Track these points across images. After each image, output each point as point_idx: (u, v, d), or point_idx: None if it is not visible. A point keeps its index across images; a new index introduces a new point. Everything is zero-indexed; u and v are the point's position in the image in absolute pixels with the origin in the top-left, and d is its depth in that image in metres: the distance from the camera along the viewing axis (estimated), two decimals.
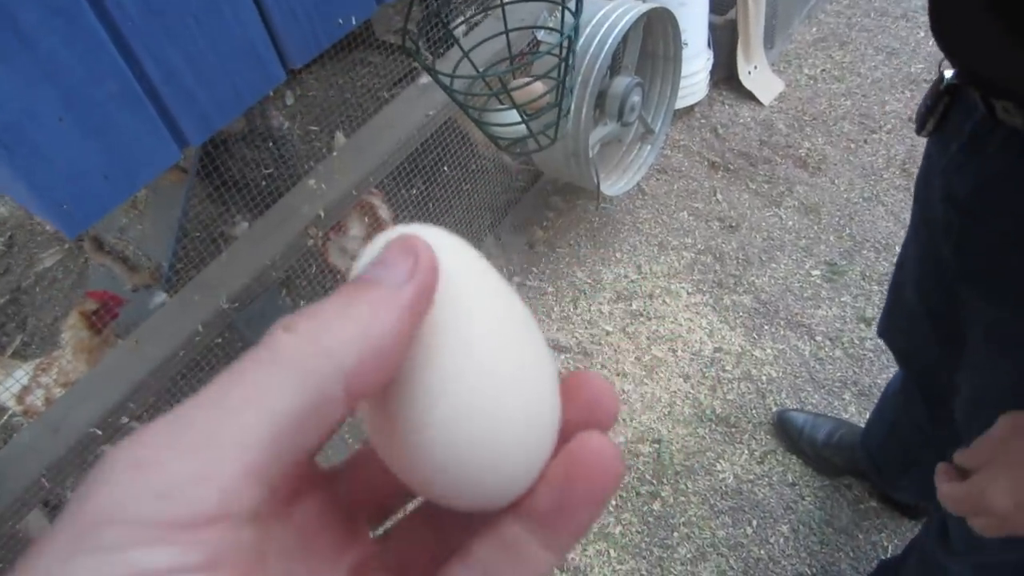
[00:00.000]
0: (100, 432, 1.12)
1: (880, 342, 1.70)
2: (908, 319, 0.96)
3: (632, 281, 1.94)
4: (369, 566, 0.24)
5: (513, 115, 1.03)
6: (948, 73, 0.71)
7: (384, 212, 1.66)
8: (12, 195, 0.58)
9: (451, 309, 0.21)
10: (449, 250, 0.22)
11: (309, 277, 1.47)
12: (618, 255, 2.00)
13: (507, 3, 1.00)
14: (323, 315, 0.19)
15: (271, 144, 1.57)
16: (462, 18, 1.41)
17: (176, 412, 0.18)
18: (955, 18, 0.62)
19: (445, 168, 1.71)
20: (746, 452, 1.60)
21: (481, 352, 0.22)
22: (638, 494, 1.57)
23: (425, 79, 1.46)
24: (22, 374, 1.54)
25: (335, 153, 1.38)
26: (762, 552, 1.46)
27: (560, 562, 0.23)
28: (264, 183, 1.60)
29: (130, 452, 0.17)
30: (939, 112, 0.73)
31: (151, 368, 1.16)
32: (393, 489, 0.25)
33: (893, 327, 1.07)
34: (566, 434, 0.23)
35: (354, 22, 0.68)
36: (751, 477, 1.56)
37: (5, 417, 1.76)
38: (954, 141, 0.71)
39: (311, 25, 0.65)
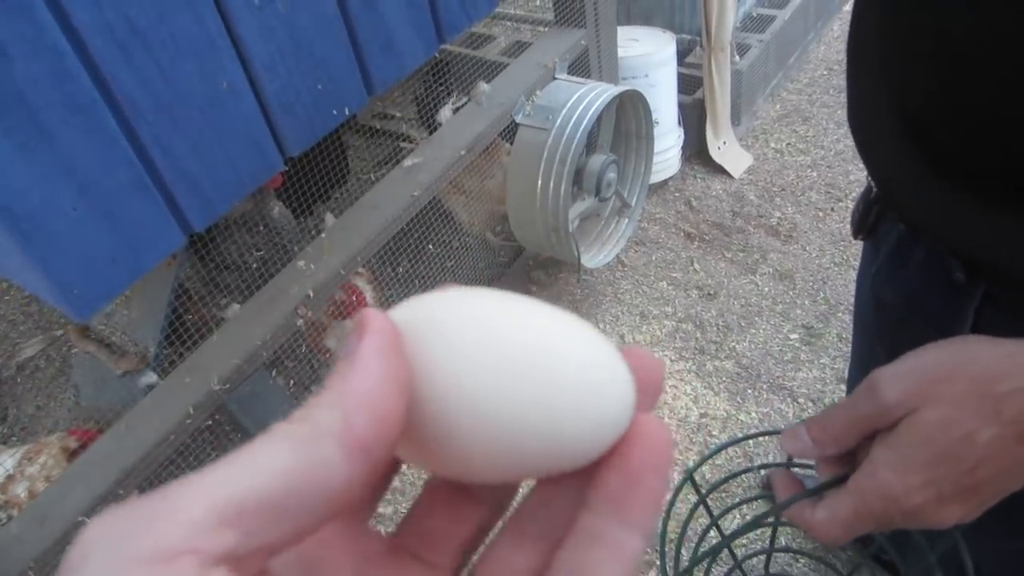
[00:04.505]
0: (88, 521, 1.11)
1: None
2: None
3: None
4: (377, 558, 0.24)
5: None
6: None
7: (369, 293, 1.69)
8: (22, 282, 0.60)
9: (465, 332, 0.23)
10: (451, 296, 0.24)
11: (299, 357, 1.49)
12: (601, 326, 2.03)
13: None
14: (307, 404, 0.20)
15: (263, 228, 1.61)
16: (451, 106, 1.47)
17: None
18: (874, 143, 0.62)
19: (430, 246, 1.76)
20: (738, 517, 1.60)
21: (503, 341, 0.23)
22: None
23: (409, 161, 1.52)
24: (8, 460, 1.52)
25: (323, 235, 1.42)
26: None
27: (646, 542, 0.22)
28: (255, 265, 1.63)
29: (110, 511, 0.18)
30: (871, 220, 0.73)
31: (141, 454, 1.15)
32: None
33: None
34: None
35: (347, 112, 0.72)
36: (744, 542, 1.56)
37: None
38: (883, 245, 0.71)
39: (307, 116, 0.69)
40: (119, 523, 0.17)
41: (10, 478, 1.52)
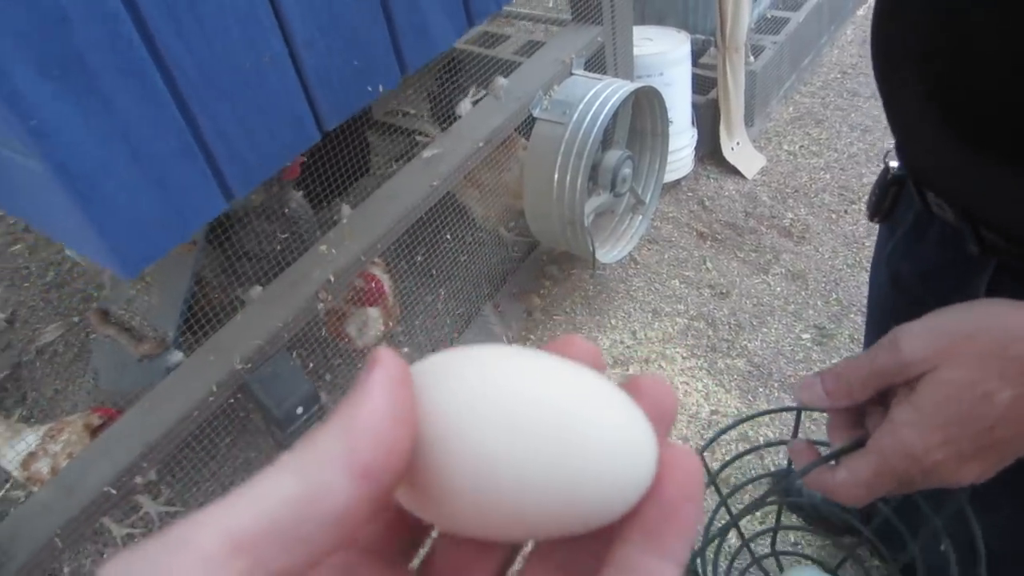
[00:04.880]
0: (114, 491, 1.14)
1: None
2: None
3: (628, 347, 1.99)
4: None
5: None
6: (893, 164, 0.74)
7: (387, 281, 1.72)
8: (69, 242, 0.63)
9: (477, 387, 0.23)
10: (473, 352, 0.24)
11: (318, 340, 1.51)
12: (613, 322, 2.05)
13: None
14: (313, 433, 0.20)
15: (281, 217, 1.64)
16: (469, 99, 1.50)
17: None
18: (901, 112, 0.64)
19: (447, 235, 1.78)
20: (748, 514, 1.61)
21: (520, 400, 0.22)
22: None
23: (428, 153, 1.55)
24: (31, 437, 1.55)
25: (344, 221, 1.45)
26: None
27: (681, 572, 0.22)
28: (273, 255, 1.66)
29: (125, 553, 0.18)
30: (888, 202, 0.75)
31: (164, 430, 1.18)
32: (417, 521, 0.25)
33: None
34: None
35: (381, 89, 0.75)
36: (754, 537, 1.57)
37: (6, 487, 1.75)
38: (900, 227, 0.73)
39: (343, 91, 0.72)
40: (135, 562, 0.17)
41: (32, 455, 1.55)
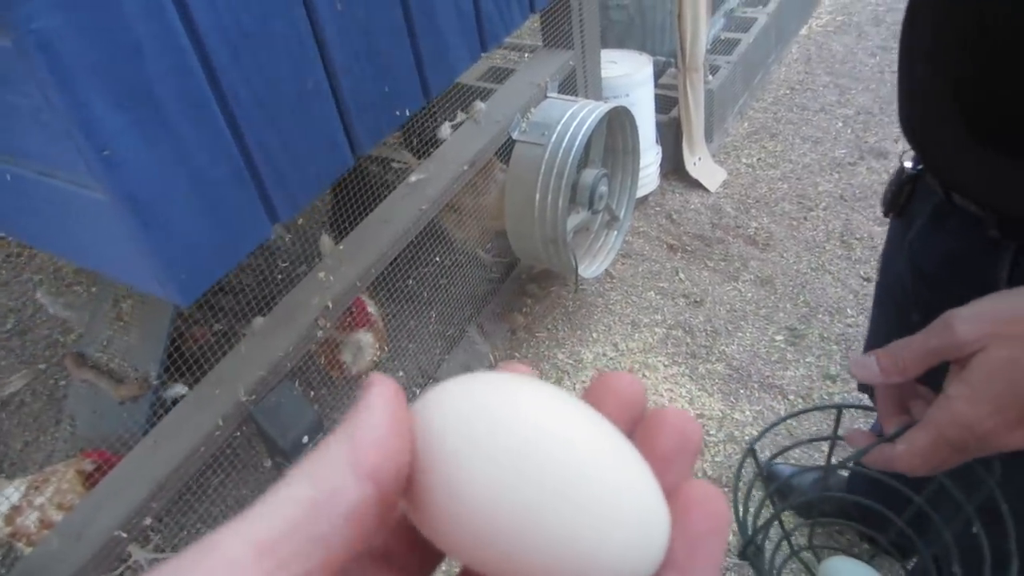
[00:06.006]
0: (125, 535, 1.11)
1: (850, 396, 1.82)
2: None
3: (611, 359, 2.03)
4: None
5: None
6: (908, 164, 0.80)
7: (371, 306, 1.73)
8: (117, 272, 0.64)
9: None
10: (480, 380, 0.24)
11: (319, 368, 1.51)
12: (594, 335, 2.09)
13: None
14: (321, 443, 0.22)
15: (265, 245, 1.64)
16: (448, 123, 1.53)
17: None
18: (923, 119, 0.70)
19: (437, 258, 1.80)
20: (741, 509, 1.66)
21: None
22: None
23: (414, 178, 1.57)
24: (13, 492, 1.50)
25: (325, 251, 1.45)
26: None
27: None
28: (260, 279, 1.65)
29: (156, 567, 0.19)
30: (903, 198, 0.81)
31: (173, 466, 1.16)
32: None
33: None
34: (665, 467, 0.24)
35: (407, 113, 0.77)
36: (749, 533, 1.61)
37: None
38: (918, 218, 0.78)
39: (375, 116, 0.75)
40: (165, 571, 0.18)
41: (16, 509, 1.50)
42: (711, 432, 1.83)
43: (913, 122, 0.72)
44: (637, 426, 0.26)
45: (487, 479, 0.22)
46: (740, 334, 2.05)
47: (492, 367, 1.76)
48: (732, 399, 1.90)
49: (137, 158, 0.56)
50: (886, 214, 0.84)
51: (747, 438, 1.79)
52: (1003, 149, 0.61)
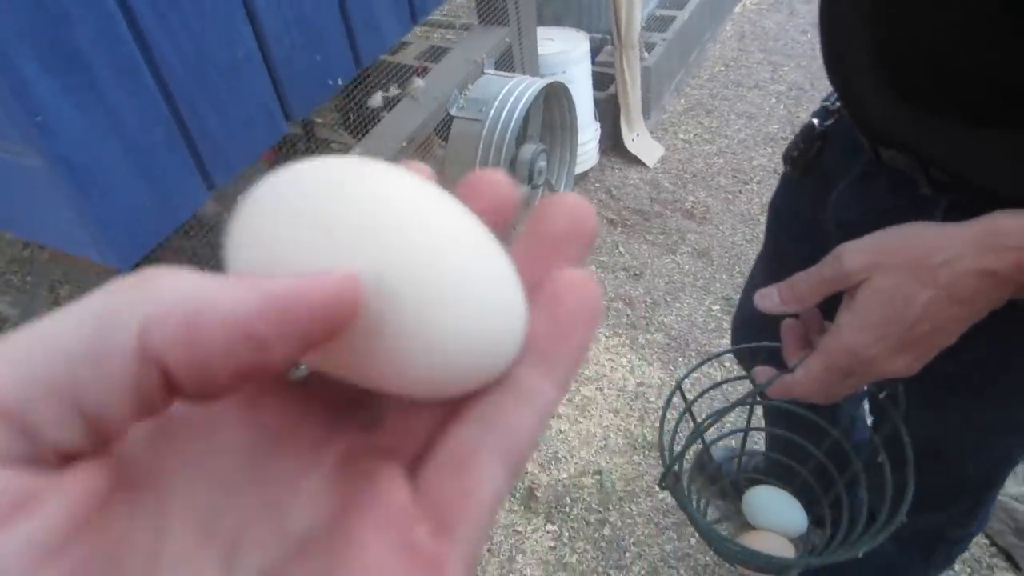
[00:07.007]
0: None
1: None
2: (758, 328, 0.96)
3: None
4: (359, 451, 0.22)
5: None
6: (816, 121, 0.81)
7: None
8: (56, 240, 0.65)
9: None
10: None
11: None
12: None
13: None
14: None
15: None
16: (381, 93, 1.55)
17: None
18: (848, 73, 0.70)
19: None
20: (666, 441, 1.73)
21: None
22: (587, 523, 1.66)
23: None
24: None
25: None
26: (707, 558, 1.58)
27: (562, 396, 0.22)
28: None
29: None
30: (812, 153, 0.81)
31: None
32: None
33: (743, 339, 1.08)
34: (548, 256, 0.23)
35: (339, 82, 0.80)
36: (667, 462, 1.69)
37: None
38: (843, 179, 0.77)
39: (307, 85, 0.77)
40: None
41: None
42: (651, 399, 1.89)
43: (841, 84, 0.73)
44: (505, 225, 0.23)
45: (318, 255, 0.19)
46: (678, 305, 2.13)
47: None
48: (671, 367, 1.97)
49: (71, 123, 0.57)
50: (793, 171, 0.86)
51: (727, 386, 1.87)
52: (926, 105, 0.62)
